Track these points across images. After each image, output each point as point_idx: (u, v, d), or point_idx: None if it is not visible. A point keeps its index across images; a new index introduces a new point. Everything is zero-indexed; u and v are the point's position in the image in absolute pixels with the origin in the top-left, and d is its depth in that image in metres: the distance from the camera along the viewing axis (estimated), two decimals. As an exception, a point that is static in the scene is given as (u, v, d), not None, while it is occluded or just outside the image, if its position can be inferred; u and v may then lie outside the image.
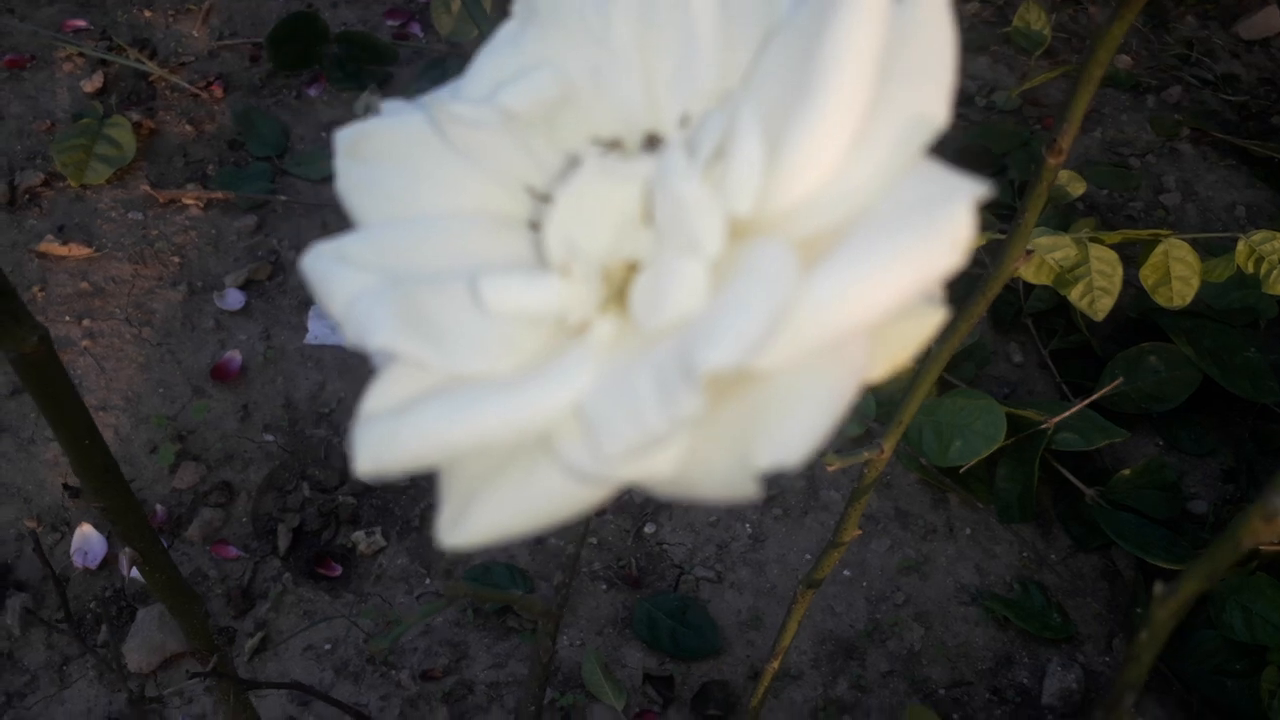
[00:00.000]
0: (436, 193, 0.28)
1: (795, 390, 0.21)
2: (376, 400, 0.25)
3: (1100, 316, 1.08)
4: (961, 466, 1.02)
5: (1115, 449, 1.13)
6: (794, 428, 0.20)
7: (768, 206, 0.22)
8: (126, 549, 0.55)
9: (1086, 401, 1.04)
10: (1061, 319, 1.22)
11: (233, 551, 1.01)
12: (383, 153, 0.28)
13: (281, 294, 1.22)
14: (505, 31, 0.27)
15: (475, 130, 0.26)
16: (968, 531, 1.08)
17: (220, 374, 1.13)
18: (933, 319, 0.22)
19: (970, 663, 1.00)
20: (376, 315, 0.24)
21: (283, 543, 1.02)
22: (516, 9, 0.27)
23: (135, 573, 0.87)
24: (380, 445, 0.24)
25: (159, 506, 1.05)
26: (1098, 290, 1.10)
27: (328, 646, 0.97)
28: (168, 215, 1.28)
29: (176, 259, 1.24)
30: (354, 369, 1.16)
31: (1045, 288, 1.12)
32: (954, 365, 1.16)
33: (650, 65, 0.25)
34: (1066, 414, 1.04)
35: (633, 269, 0.24)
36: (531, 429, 0.23)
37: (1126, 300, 1.11)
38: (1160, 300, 1.07)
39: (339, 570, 1.00)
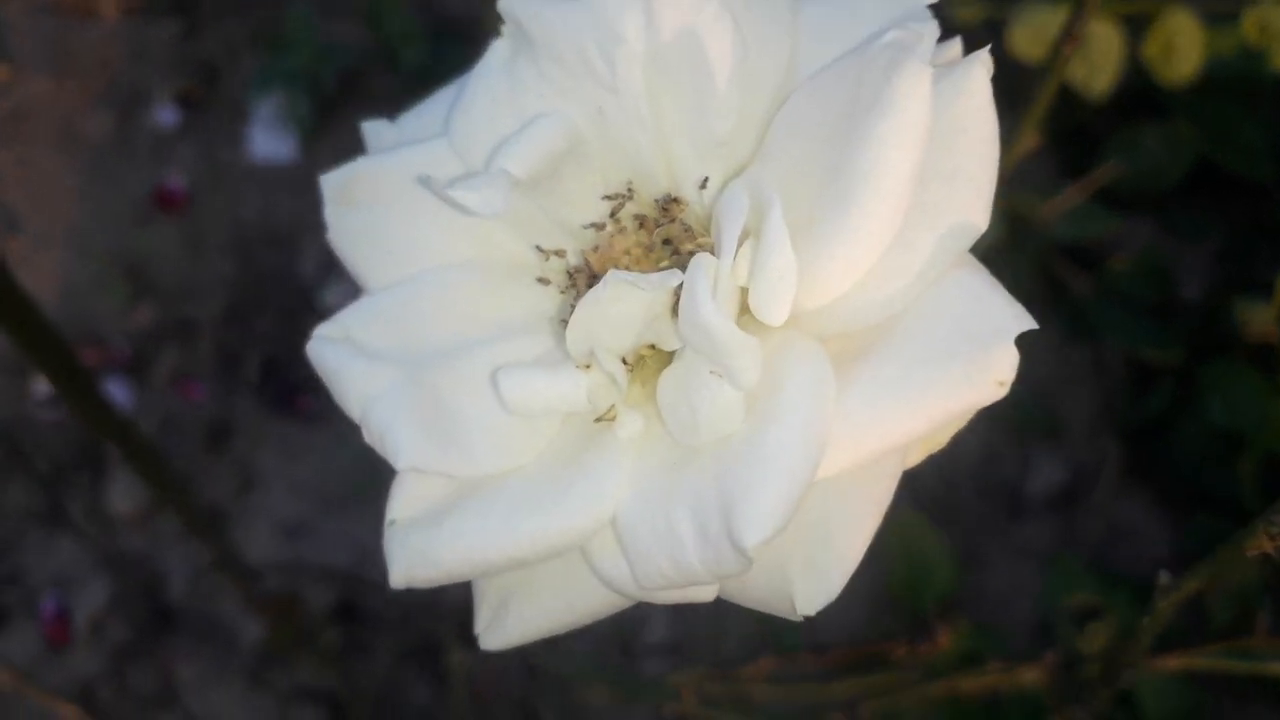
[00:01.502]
0: (438, 240, 0.26)
1: (833, 517, 0.20)
2: (404, 505, 0.25)
3: (1097, 94, 1.02)
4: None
5: (1110, 232, 1.10)
6: (833, 566, 0.20)
7: (801, 309, 0.21)
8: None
9: (1083, 190, 0.99)
10: (1062, 98, 1.15)
11: (202, 390, 0.98)
12: (375, 196, 0.27)
13: (218, 108, 1.13)
14: (497, 55, 0.25)
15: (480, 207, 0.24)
16: (956, 330, 1.06)
17: (164, 201, 1.06)
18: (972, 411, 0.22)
19: (958, 460, 1.01)
20: (399, 434, 0.25)
21: (252, 376, 0.99)
22: (506, 29, 0.25)
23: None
24: (415, 562, 0.24)
25: (122, 345, 1.01)
26: (1095, 67, 1.03)
27: (311, 481, 0.96)
28: (85, 24, 1.17)
29: (101, 73, 1.14)
30: (304, 185, 1.09)
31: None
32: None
33: (661, 112, 0.23)
34: (1061, 200, 0.99)
35: (655, 348, 0.24)
36: (568, 544, 0.23)
37: (1131, 75, 1.05)
38: (1163, 75, 1.01)
39: (313, 403, 0.98)
